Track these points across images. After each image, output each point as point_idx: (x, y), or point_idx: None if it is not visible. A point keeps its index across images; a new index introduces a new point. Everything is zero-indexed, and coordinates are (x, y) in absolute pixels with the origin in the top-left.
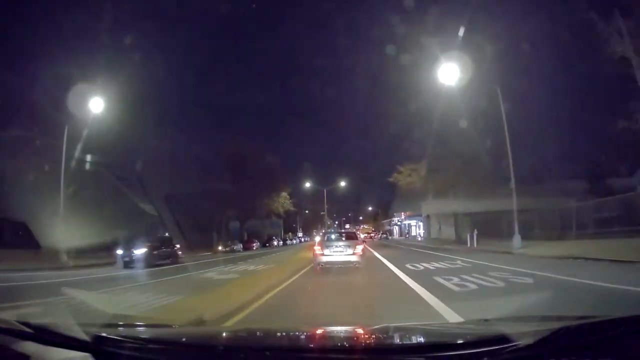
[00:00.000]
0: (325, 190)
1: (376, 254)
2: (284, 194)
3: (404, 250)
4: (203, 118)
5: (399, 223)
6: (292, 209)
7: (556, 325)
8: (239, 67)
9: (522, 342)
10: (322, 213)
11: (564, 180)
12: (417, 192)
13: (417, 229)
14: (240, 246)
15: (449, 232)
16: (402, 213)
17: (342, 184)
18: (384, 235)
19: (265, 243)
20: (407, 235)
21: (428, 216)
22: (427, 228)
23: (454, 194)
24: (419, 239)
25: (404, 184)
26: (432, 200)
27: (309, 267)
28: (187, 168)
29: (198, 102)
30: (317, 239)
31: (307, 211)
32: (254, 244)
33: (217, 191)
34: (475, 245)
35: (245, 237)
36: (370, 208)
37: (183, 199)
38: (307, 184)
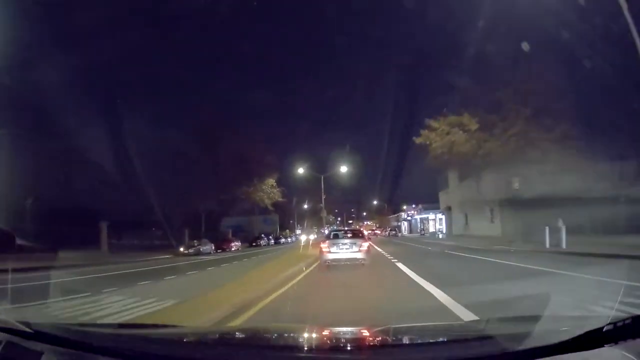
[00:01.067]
0: (322, 178)
1: (409, 272)
2: (271, 180)
3: (449, 257)
4: (165, 87)
5: (408, 218)
6: (280, 199)
7: (553, 327)
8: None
9: (524, 344)
10: (320, 205)
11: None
12: (453, 164)
13: (437, 223)
14: (210, 247)
15: (481, 227)
16: (414, 206)
17: (344, 169)
18: (393, 232)
19: (252, 242)
20: (423, 232)
21: (449, 208)
22: (449, 223)
23: (506, 169)
24: (440, 236)
25: (439, 147)
26: (456, 187)
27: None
28: (149, 151)
29: (158, 66)
30: (304, 238)
31: (305, 206)
32: (233, 244)
33: (183, 178)
34: (563, 245)
35: (230, 235)
36: (375, 202)
37: (143, 189)
38: (300, 170)
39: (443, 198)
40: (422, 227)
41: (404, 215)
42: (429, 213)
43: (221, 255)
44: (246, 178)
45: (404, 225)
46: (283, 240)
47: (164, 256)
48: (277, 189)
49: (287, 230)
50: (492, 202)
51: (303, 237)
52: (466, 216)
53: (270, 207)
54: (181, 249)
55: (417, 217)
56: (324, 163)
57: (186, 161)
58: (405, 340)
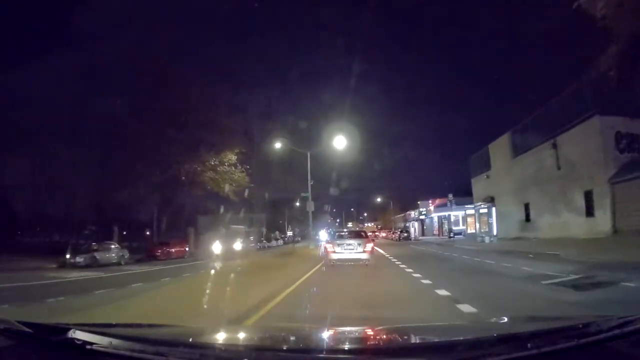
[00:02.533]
0: (309, 155)
1: None
2: (230, 155)
3: None
4: None
5: (422, 216)
6: (246, 183)
7: (558, 326)
8: None
9: (528, 345)
10: (303, 195)
11: None
12: None
13: (477, 222)
14: (120, 254)
15: (561, 223)
16: (430, 201)
17: (340, 142)
18: (405, 234)
19: None
20: (452, 235)
21: (491, 198)
22: (496, 222)
23: None
24: (487, 240)
25: None
26: (507, 164)
27: None
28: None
29: None
30: (240, 244)
31: (298, 204)
32: (173, 249)
33: (92, 148)
34: None
35: (192, 236)
36: (378, 199)
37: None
38: (278, 145)
39: (479, 186)
40: (443, 227)
41: (413, 213)
42: (461, 208)
43: (135, 269)
44: (186, 149)
45: (414, 226)
46: (267, 244)
47: (45, 266)
48: (240, 168)
49: (277, 232)
50: (592, 179)
51: (239, 243)
52: (527, 208)
53: (233, 197)
54: (67, 257)
55: (434, 215)
56: (317, 137)
57: (96, 120)
58: (412, 341)
